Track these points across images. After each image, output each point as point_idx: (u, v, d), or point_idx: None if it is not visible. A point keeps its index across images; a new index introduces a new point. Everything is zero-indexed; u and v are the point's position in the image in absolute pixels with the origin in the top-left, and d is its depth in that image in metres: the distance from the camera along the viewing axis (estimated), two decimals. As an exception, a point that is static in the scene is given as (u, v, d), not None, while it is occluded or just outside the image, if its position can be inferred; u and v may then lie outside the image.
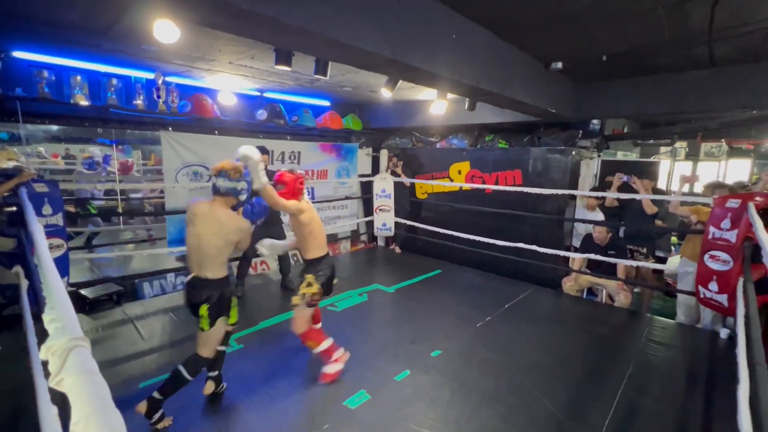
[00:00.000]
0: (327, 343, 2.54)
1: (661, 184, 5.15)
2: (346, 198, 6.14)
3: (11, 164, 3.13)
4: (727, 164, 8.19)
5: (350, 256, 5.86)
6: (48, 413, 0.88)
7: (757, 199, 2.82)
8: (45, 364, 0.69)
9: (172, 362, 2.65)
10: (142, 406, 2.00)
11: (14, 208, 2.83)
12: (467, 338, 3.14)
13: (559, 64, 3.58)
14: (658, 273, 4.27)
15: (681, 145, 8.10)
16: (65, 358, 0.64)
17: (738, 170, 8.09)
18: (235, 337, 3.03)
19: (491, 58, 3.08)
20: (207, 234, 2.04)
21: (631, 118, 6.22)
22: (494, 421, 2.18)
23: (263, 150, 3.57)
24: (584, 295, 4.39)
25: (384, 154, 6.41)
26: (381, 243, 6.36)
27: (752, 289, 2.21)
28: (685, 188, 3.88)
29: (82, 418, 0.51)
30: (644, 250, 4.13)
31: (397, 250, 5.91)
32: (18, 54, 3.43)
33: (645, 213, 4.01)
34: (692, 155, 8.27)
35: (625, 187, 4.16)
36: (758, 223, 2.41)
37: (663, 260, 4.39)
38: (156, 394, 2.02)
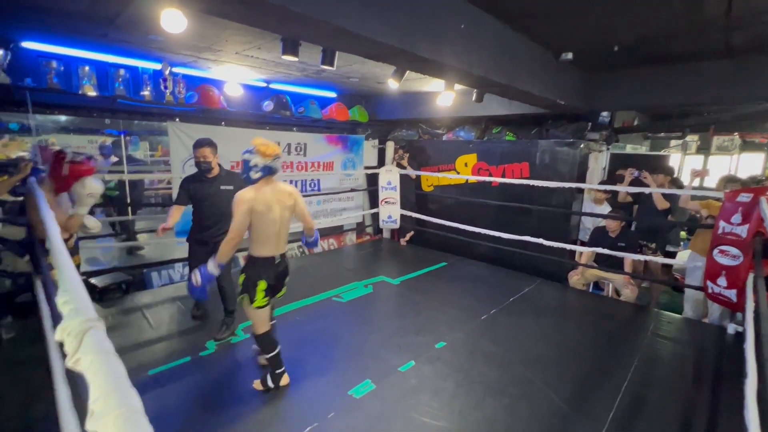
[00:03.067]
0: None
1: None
2: (352, 190, 6.14)
3: (20, 155, 3.17)
4: (740, 158, 8.04)
5: (356, 248, 5.88)
6: (63, 393, 0.90)
7: (770, 193, 2.77)
8: (60, 345, 0.71)
9: (180, 350, 2.71)
10: (258, 385, 2.33)
11: (22, 198, 2.87)
12: (472, 330, 3.15)
13: (569, 55, 3.51)
14: (666, 267, 4.24)
15: (692, 139, 7.97)
16: (81, 338, 0.65)
17: (751, 164, 7.94)
18: (241, 327, 3.07)
19: (500, 49, 3.03)
20: (284, 215, 2.21)
21: (642, 110, 6.11)
22: (498, 412, 2.19)
23: (208, 142, 2.89)
24: (590, 289, 4.37)
25: (390, 146, 6.38)
26: (386, 235, 6.37)
27: (763, 284, 2.18)
28: (696, 182, 3.83)
29: (101, 396, 0.52)
30: (653, 246, 4.10)
31: (403, 242, 5.91)
32: (27, 44, 3.45)
33: (657, 209, 3.97)
34: (703, 149, 8.12)
35: (636, 183, 4.11)
36: (771, 217, 2.37)
37: (672, 255, 4.35)
38: (268, 378, 2.33)
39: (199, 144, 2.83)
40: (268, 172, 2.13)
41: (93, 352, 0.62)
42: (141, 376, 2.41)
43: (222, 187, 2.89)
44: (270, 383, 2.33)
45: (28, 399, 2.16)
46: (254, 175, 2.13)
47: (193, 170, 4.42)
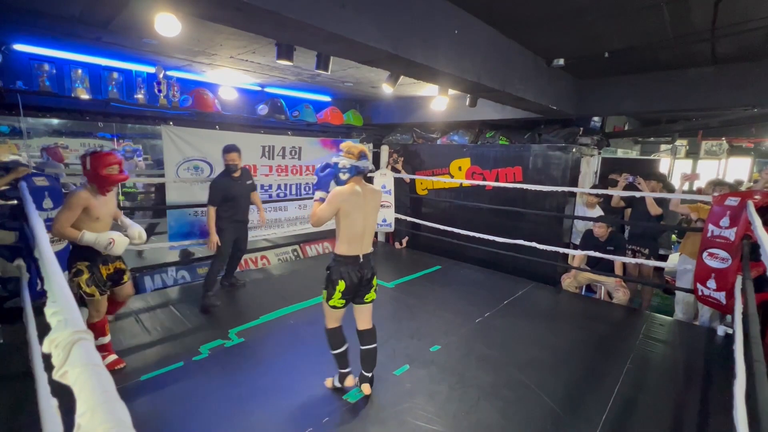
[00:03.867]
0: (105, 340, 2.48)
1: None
2: (347, 194, 6.14)
3: (11, 158, 3.13)
4: (728, 162, 8.19)
5: (350, 251, 5.86)
6: (48, 405, 0.89)
7: (756, 197, 2.83)
8: (48, 356, 0.70)
9: (173, 355, 2.69)
10: (329, 382, 2.40)
11: (15, 202, 2.84)
12: (466, 334, 3.16)
13: (561, 61, 3.56)
14: (658, 270, 4.29)
15: (681, 143, 8.10)
16: (69, 350, 0.65)
17: (738, 168, 8.09)
18: (235, 331, 3.06)
19: (493, 55, 3.07)
20: (371, 213, 2.26)
21: (632, 115, 6.20)
22: (492, 415, 2.20)
23: (235, 148, 3.57)
24: (583, 292, 4.41)
25: (385, 150, 6.40)
26: (381, 239, 6.37)
27: (751, 286, 2.22)
28: (686, 186, 3.89)
29: (87, 410, 0.52)
30: (646, 251, 4.14)
31: (398, 246, 5.92)
32: (19, 47, 3.42)
33: (650, 214, 4.02)
34: (692, 153, 8.26)
35: (630, 188, 4.16)
36: (757, 221, 2.41)
37: (664, 258, 4.41)
38: (336, 377, 2.39)
39: (229, 150, 3.53)
40: (355, 171, 2.19)
41: (81, 364, 0.61)
42: (133, 382, 2.38)
43: (247, 182, 3.72)
44: (337, 383, 2.38)
45: (13, 410, 2.12)
46: (343, 176, 2.20)
47: (187, 174, 4.44)
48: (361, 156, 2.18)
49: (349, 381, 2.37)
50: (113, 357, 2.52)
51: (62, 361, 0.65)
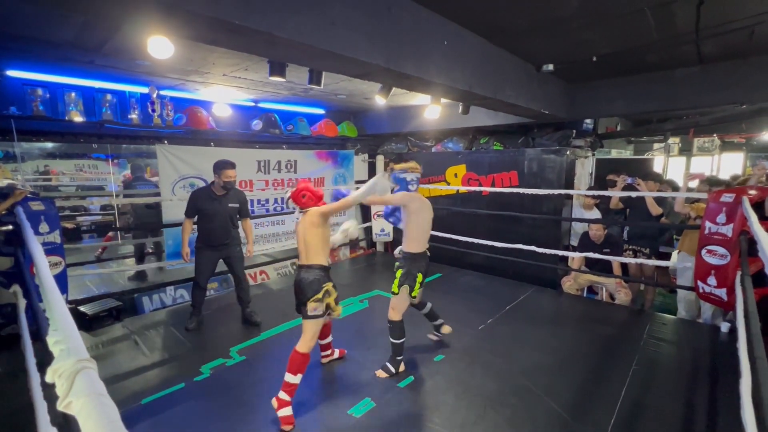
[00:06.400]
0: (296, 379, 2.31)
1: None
2: (344, 205, 6.15)
3: (5, 182, 3.12)
4: (720, 158, 8.27)
5: (350, 262, 5.85)
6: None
7: (751, 192, 2.86)
8: (51, 386, 0.69)
9: (174, 376, 2.65)
10: (381, 373, 2.65)
11: (10, 227, 2.82)
12: (469, 341, 3.14)
13: (550, 66, 3.62)
14: (662, 270, 4.29)
15: (674, 141, 8.18)
16: (72, 380, 0.64)
17: (731, 164, 8.17)
18: (236, 349, 3.02)
19: (483, 63, 3.11)
20: (430, 216, 2.73)
21: (623, 116, 6.28)
22: (499, 424, 2.18)
23: (231, 164, 3.32)
24: (584, 294, 4.40)
25: (380, 160, 6.44)
26: (380, 248, 6.36)
27: (750, 282, 2.23)
28: (691, 184, 3.90)
29: (92, 441, 0.51)
30: (647, 251, 4.15)
31: (397, 255, 5.91)
32: (11, 73, 3.44)
33: (650, 214, 4.03)
34: (685, 150, 8.35)
35: (628, 189, 4.18)
36: (753, 216, 2.43)
37: (667, 256, 4.41)
38: (389, 365, 2.65)
39: (229, 166, 3.30)
40: (418, 182, 2.73)
41: (85, 394, 0.60)
42: (134, 406, 2.34)
43: (230, 204, 3.40)
44: (392, 369, 2.64)
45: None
46: (412, 187, 2.70)
47: (183, 192, 4.43)
48: (419, 170, 2.73)
49: (403, 366, 2.70)
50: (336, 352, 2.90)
51: (66, 391, 0.64)
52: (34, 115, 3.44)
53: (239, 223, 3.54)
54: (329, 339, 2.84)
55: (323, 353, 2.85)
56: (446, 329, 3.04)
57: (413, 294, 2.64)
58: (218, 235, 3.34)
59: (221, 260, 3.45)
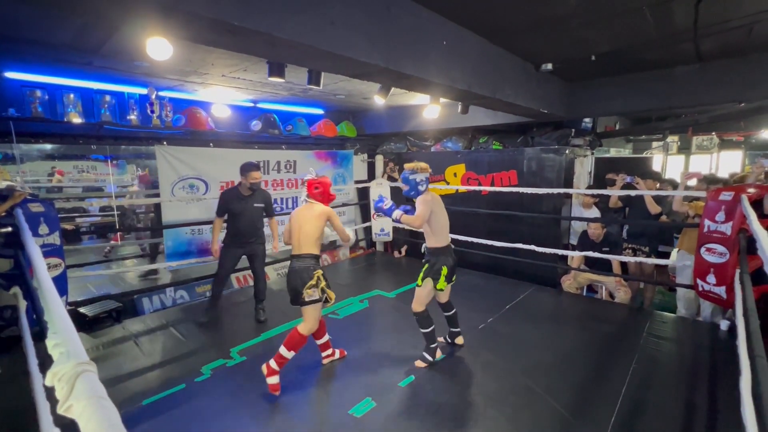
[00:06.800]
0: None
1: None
2: (344, 205, 6.15)
3: (5, 184, 3.12)
4: (719, 156, 8.28)
5: (349, 262, 5.85)
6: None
7: (750, 190, 2.86)
8: (51, 389, 0.69)
9: (174, 377, 2.65)
10: (420, 363, 2.76)
11: (10, 229, 2.81)
12: (470, 341, 3.14)
13: (549, 66, 3.62)
14: (661, 268, 4.29)
15: (673, 139, 8.18)
16: (73, 383, 0.64)
17: (730, 161, 8.18)
18: (237, 350, 3.03)
19: (482, 63, 3.11)
20: (444, 211, 2.81)
21: (622, 115, 6.28)
22: (500, 422, 2.18)
23: (255, 166, 3.51)
24: (584, 293, 4.41)
25: (379, 160, 6.44)
26: (380, 248, 6.36)
27: (749, 280, 2.23)
28: (690, 183, 3.90)
29: (93, 445, 0.51)
30: (646, 249, 4.15)
31: (397, 255, 5.91)
32: (10, 74, 3.43)
33: (649, 213, 4.04)
34: (684, 149, 8.35)
35: (627, 188, 4.18)
36: (752, 214, 2.44)
37: (667, 255, 4.41)
38: (426, 355, 2.78)
39: (254, 168, 3.48)
40: (428, 182, 2.78)
41: (85, 398, 0.60)
42: (135, 407, 2.34)
43: (255, 204, 3.58)
44: (429, 357, 2.76)
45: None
46: (422, 188, 2.75)
47: (182, 193, 4.44)
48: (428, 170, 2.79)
49: (439, 353, 2.83)
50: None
51: (66, 395, 0.64)
52: (33, 116, 3.43)
53: (265, 221, 3.79)
54: (325, 339, 2.84)
55: (323, 353, 2.85)
56: (460, 340, 3.06)
57: (438, 287, 2.71)
58: (245, 233, 3.57)
59: (244, 257, 3.68)
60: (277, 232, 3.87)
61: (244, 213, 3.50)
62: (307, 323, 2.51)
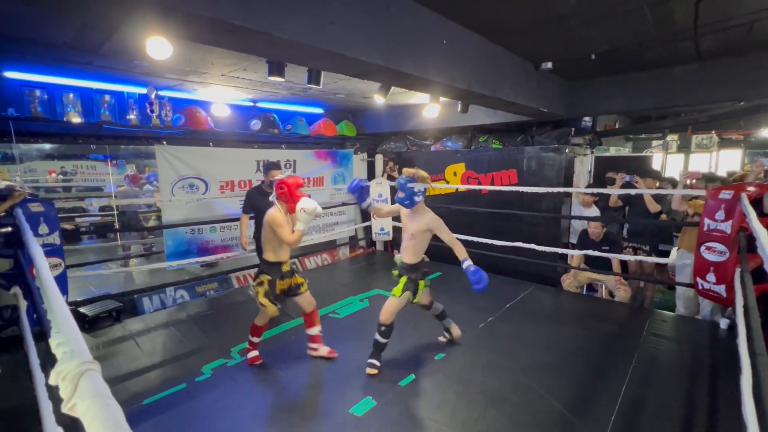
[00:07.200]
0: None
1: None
2: (343, 204, 6.15)
3: (4, 184, 3.11)
4: (719, 155, 8.29)
5: (349, 262, 5.86)
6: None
7: (750, 189, 2.87)
8: (54, 389, 0.69)
9: (175, 377, 2.65)
10: (372, 370, 2.67)
11: (9, 229, 2.81)
12: (470, 340, 3.14)
13: (549, 64, 3.62)
14: (661, 266, 4.30)
15: (672, 138, 8.19)
16: (77, 382, 0.64)
17: (729, 160, 8.19)
18: (237, 349, 3.03)
19: (482, 62, 3.11)
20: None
21: (622, 113, 6.28)
22: (500, 421, 2.19)
23: (276, 165, 3.69)
24: (584, 292, 4.41)
25: (379, 159, 6.43)
26: (380, 248, 6.37)
27: (749, 279, 2.24)
28: (688, 182, 3.91)
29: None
30: (647, 248, 4.16)
31: (397, 254, 5.91)
32: (9, 74, 3.43)
33: (649, 211, 4.04)
34: (684, 147, 8.36)
35: (627, 187, 4.18)
36: (751, 213, 2.44)
37: (667, 253, 4.42)
38: (372, 360, 2.70)
39: (274, 167, 3.61)
40: (425, 193, 2.62)
41: (89, 397, 0.61)
42: (136, 406, 2.34)
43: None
44: (377, 363, 2.70)
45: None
46: (417, 198, 2.58)
47: (182, 192, 4.44)
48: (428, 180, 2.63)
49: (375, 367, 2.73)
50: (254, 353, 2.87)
51: (70, 394, 0.65)
52: (32, 116, 3.43)
53: None
54: (315, 331, 2.88)
55: (310, 345, 2.90)
56: (456, 332, 3.04)
57: (414, 301, 2.72)
58: None
59: None
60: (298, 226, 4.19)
61: (266, 209, 3.62)
62: (259, 315, 2.72)
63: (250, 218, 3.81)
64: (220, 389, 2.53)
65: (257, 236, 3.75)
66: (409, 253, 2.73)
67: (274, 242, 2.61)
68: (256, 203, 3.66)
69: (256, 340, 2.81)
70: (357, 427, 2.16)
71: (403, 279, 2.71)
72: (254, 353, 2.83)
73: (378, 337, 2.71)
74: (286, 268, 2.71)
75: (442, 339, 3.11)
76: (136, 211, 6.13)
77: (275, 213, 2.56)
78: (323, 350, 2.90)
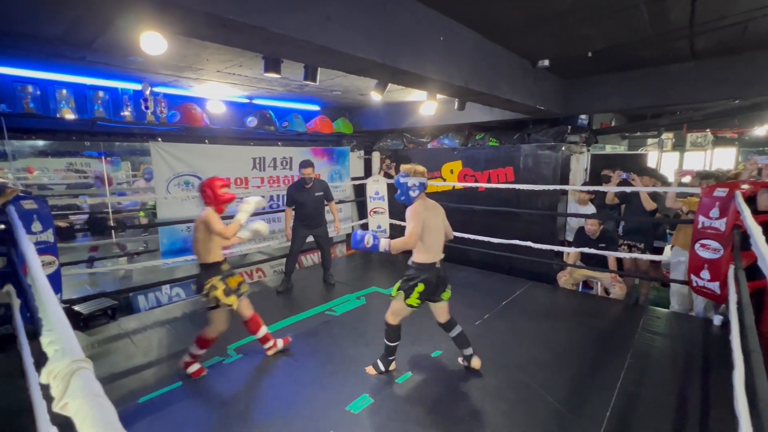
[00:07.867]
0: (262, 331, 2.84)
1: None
2: (340, 201, 6.14)
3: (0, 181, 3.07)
4: (713, 153, 8.35)
5: (346, 259, 5.85)
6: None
7: (744, 187, 2.89)
8: (46, 387, 0.68)
9: (171, 375, 2.64)
10: (371, 370, 2.63)
11: (2, 226, 2.78)
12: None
13: (546, 62, 3.62)
14: (656, 264, 4.34)
15: (667, 137, 8.24)
16: (68, 381, 0.63)
17: (724, 158, 8.25)
18: (233, 347, 3.02)
19: (479, 59, 3.11)
20: (440, 225, 2.51)
21: (618, 111, 6.31)
22: (497, 418, 2.20)
23: (307, 164, 4.05)
24: (580, 289, 4.44)
25: (376, 157, 6.42)
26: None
27: (743, 276, 2.26)
28: (684, 180, 3.94)
29: (89, 442, 0.51)
30: (642, 246, 4.19)
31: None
32: (1, 69, 3.38)
33: (645, 209, 4.06)
34: (679, 146, 8.41)
35: (624, 185, 4.20)
36: (746, 211, 2.46)
37: (661, 250, 4.45)
38: (379, 362, 2.64)
39: (304, 165, 4.04)
40: (423, 188, 2.47)
41: (81, 396, 0.60)
42: (131, 405, 2.33)
43: (317, 194, 4.16)
44: (381, 367, 2.63)
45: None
46: (413, 193, 2.46)
47: (177, 189, 4.42)
48: (425, 175, 2.49)
49: (392, 366, 2.66)
50: (196, 366, 2.71)
51: (62, 393, 0.64)
52: (24, 112, 3.38)
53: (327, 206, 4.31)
54: (261, 334, 2.84)
55: (265, 346, 2.87)
56: (476, 363, 2.64)
57: (408, 302, 2.46)
58: (311, 218, 4.17)
59: (311, 236, 4.27)
60: (337, 215, 4.51)
61: (307, 202, 4.10)
62: (208, 326, 2.61)
63: (293, 210, 4.17)
64: (217, 387, 2.53)
65: (299, 224, 4.14)
66: (416, 251, 2.52)
67: (207, 242, 2.52)
68: (296, 197, 4.07)
69: (200, 352, 2.63)
70: (354, 425, 2.16)
71: (398, 283, 2.56)
72: (196, 366, 2.64)
73: (384, 338, 2.62)
74: (225, 267, 2.63)
75: (460, 361, 2.76)
76: (101, 210, 5.73)
77: (206, 212, 2.50)
78: (279, 343, 2.89)
